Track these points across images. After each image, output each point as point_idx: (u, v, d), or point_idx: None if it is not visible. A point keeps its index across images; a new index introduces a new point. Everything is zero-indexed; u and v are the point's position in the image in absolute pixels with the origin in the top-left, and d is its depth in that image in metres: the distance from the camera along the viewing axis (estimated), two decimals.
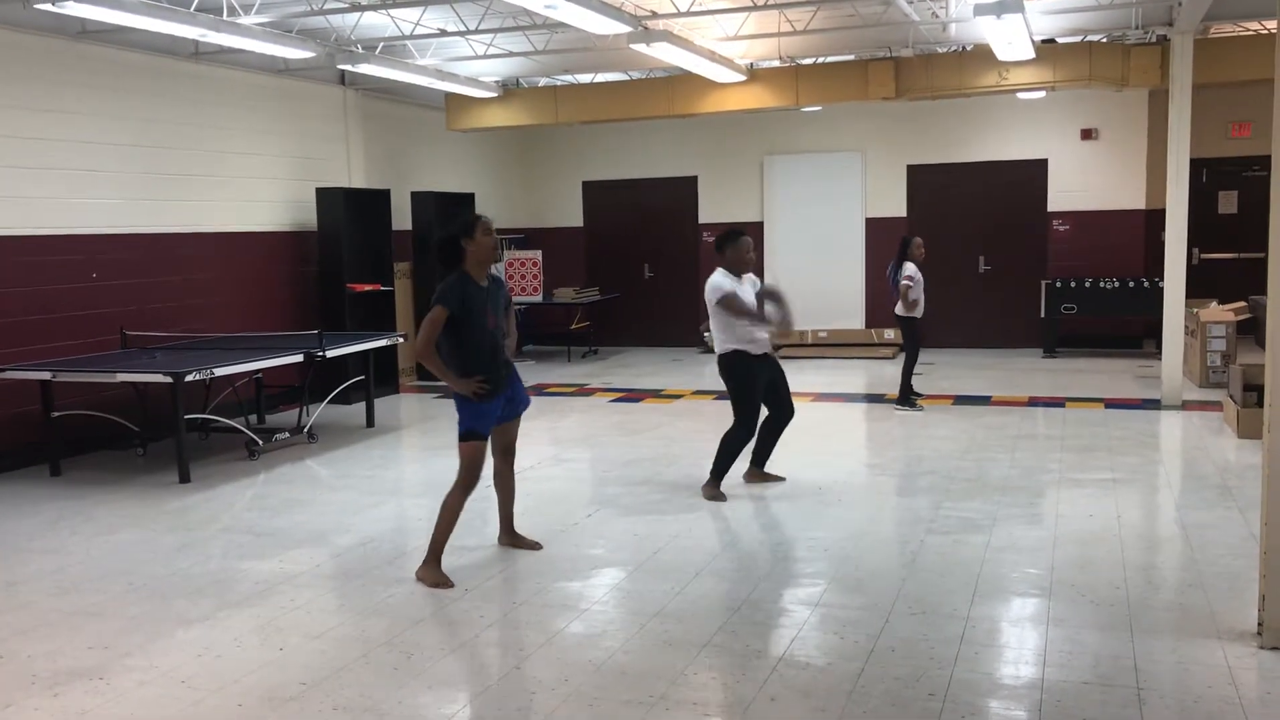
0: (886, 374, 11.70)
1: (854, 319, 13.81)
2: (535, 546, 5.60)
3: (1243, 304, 10.95)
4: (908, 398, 9.39)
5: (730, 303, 6.39)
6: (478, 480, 5.15)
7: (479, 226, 5.04)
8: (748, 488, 6.81)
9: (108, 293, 8.66)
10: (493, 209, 13.96)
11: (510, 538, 5.64)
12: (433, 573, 5.08)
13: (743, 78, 10.85)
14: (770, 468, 6.98)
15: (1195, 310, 10.34)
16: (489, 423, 5.15)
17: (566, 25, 8.23)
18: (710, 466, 6.63)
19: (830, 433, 8.86)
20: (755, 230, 12.24)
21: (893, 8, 8.77)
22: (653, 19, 8.69)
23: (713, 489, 6.58)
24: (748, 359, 6.49)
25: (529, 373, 12.46)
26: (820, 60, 11.10)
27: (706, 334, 13.89)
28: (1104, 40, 10.26)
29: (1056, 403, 9.61)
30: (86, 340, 8.43)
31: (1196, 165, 9.98)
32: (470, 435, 5.09)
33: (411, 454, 8.43)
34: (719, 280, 6.47)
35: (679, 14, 8.59)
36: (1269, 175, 4.06)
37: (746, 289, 6.53)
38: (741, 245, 6.54)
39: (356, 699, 3.81)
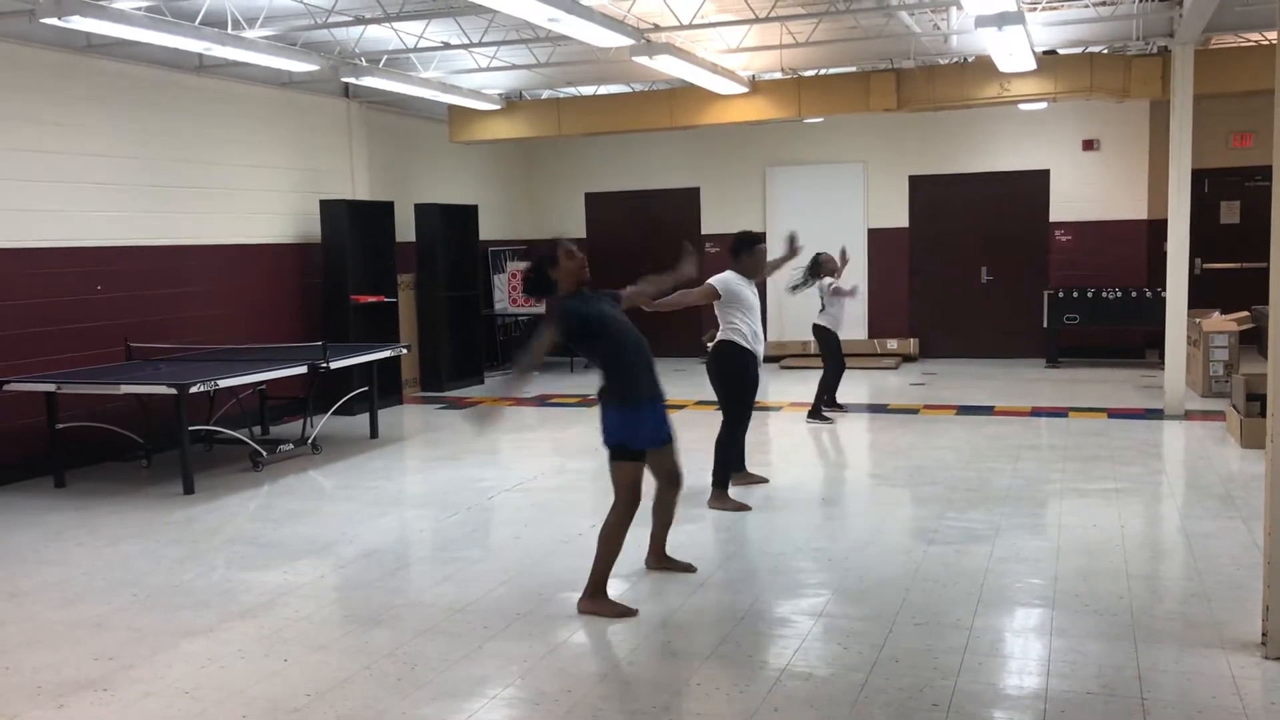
0: (890, 384, 11.72)
1: (856, 329, 13.80)
2: (689, 569, 5.28)
3: (1245, 314, 10.92)
4: (819, 409, 9.53)
5: (710, 292, 6.41)
6: (638, 501, 4.77)
7: (561, 251, 4.74)
8: (734, 490, 6.71)
9: (112, 305, 8.69)
10: (495, 220, 14.03)
11: (661, 561, 5.32)
12: (604, 605, 4.73)
13: (745, 89, 10.88)
14: (762, 472, 6.98)
15: (1198, 320, 10.34)
16: (639, 437, 4.70)
17: (569, 38, 8.26)
18: (710, 479, 6.57)
19: (832, 442, 8.87)
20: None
21: (894, 20, 8.80)
22: (655, 32, 8.73)
23: (720, 499, 6.48)
24: (744, 354, 6.44)
25: (533, 384, 12.47)
26: (822, 72, 11.14)
27: (709, 343, 13.90)
28: (1105, 51, 10.28)
29: (1059, 413, 9.61)
30: (91, 352, 8.45)
31: (1198, 175, 9.99)
32: (621, 453, 4.69)
33: (415, 465, 8.44)
34: (726, 277, 6.49)
35: (681, 27, 8.63)
36: (1270, 185, 4.07)
37: (750, 295, 6.53)
38: (757, 255, 6.59)
39: (360, 710, 3.81)
